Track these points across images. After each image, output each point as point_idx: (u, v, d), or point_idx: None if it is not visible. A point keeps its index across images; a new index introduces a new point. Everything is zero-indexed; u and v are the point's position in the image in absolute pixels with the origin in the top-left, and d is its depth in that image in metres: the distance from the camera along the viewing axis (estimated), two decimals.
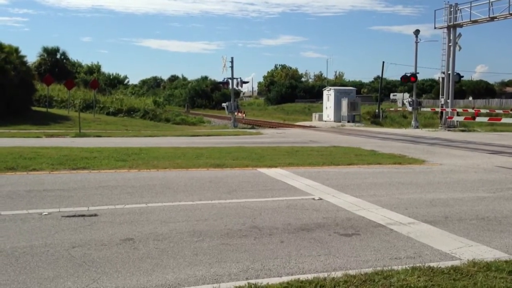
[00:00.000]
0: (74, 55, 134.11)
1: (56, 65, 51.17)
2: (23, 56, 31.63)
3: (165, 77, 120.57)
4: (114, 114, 34.31)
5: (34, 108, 31.52)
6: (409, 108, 31.97)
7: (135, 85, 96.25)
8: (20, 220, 6.08)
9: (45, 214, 6.39)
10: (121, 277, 4.25)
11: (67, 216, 6.30)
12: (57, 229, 5.70)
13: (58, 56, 53.39)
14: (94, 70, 64.19)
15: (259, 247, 5.14)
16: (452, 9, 27.83)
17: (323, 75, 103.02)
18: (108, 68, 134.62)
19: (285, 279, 4.17)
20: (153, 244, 5.21)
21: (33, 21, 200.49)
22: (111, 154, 12.70)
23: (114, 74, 76.93)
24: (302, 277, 4.19)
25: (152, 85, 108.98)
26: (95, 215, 6.41)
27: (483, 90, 75.68)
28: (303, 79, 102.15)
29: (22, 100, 28.72)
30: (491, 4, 25.43)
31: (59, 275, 4.28)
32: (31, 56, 75.70)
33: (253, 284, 4.02)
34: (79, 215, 6.36)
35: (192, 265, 4.58)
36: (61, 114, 30.78)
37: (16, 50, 30.88)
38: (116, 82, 71.61)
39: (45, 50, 52.23)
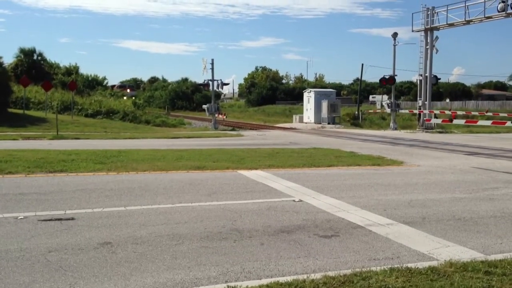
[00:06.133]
0: (52, 56, 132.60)
1: (33, 67, 50.14)
2: None
3: (145, 78, 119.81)
4: (92, 116, 33.84)
5: (10, 110, 30.83)
6: (388, 110, 32.30)
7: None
8: None
9: (21, 218, 6.27)
10: (98, 282, 4.19)
11: (44, 220, 6.19)
12: (33, 233, 5.60)
13: (35, 57, 52.32)
14: (72, 71, 62.95)
15: (239, 250, 5.13)
16: (429, 13, 28.25)
17: (303, 77, 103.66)
18: (87, 70, 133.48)
19: (264, 281, 4.17)
20: (131, 247, 5.15)
21: (10, 21, 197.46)
22: (89, 156, 12.54)
23: (93, 76, 75.73)
24: (282, 279, 4.19)
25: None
26: (72, 218, 6.31)
27: (459, 92, 76.92)
28: (283, 81, 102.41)
29: None
30: (467, 8, 25.88)
31: (35, 280, 4.20)
32: (7, 57, 74.46)
33: (232, 287, 4.00)
34: (56, 219, 6.26)
35: (171, 268, 4.55)
36: (38, 116, 30.24)
37: None
38: (94, 84, 70.43)
39: (22, 51, 51.17)
